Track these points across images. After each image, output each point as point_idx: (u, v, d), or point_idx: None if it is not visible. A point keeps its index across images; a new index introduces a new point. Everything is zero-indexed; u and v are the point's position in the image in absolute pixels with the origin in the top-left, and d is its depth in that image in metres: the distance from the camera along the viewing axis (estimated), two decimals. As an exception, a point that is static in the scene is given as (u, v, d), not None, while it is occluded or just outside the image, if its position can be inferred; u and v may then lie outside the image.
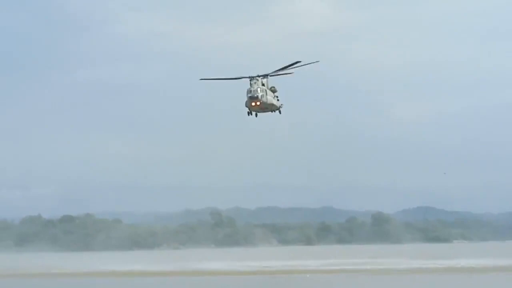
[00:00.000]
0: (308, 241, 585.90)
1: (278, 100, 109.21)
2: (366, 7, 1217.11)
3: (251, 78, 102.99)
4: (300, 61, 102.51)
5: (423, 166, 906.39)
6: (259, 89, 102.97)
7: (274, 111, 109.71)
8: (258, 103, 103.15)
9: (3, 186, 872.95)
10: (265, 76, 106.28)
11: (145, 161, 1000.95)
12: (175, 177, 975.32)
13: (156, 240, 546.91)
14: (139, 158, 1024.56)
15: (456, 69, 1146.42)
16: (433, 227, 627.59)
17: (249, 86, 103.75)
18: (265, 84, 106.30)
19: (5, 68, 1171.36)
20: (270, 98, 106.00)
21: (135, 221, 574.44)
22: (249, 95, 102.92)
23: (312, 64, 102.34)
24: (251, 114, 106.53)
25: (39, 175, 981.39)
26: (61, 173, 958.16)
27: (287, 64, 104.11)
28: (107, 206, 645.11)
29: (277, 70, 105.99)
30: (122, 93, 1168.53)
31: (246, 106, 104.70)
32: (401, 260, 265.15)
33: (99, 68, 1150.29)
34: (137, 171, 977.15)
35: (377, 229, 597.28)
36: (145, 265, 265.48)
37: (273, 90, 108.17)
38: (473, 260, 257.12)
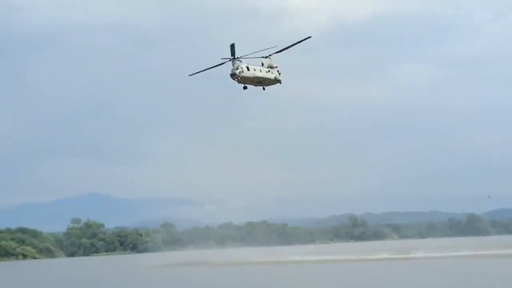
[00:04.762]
0: (421, 236, 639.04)
1: (279, 73, 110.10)
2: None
3: (232, 60, 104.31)
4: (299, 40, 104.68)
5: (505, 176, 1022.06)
6: (239, 67, 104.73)
7: (272, 84, 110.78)
8: (238, 78, 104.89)
9: (207, 202, 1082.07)
10: (266, 57, 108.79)
11: (297, 182, 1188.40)
12: (322, 191, 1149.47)
13: (311, 237, 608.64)
14: (295, 179, 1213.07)
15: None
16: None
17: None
18: (264, 64, 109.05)
19: (202, 123, 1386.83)
20: (256, 73, 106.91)
21: (297, 224, 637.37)
22: (230, 73, 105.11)
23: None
24: (246, 88, 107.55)
25: (230, 194, 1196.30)
26: (244, 191, 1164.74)
27: (293, 43, 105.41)
28: (277, 214, 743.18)
29: (280, 50, 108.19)
30: (275, 135, 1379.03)
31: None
32: (487, 249, 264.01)
33: (260, 119, 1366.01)
34: (294, 189, 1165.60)
35: (471, 226, 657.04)
36: (313, 256, 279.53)
37: (271, 66, 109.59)
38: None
